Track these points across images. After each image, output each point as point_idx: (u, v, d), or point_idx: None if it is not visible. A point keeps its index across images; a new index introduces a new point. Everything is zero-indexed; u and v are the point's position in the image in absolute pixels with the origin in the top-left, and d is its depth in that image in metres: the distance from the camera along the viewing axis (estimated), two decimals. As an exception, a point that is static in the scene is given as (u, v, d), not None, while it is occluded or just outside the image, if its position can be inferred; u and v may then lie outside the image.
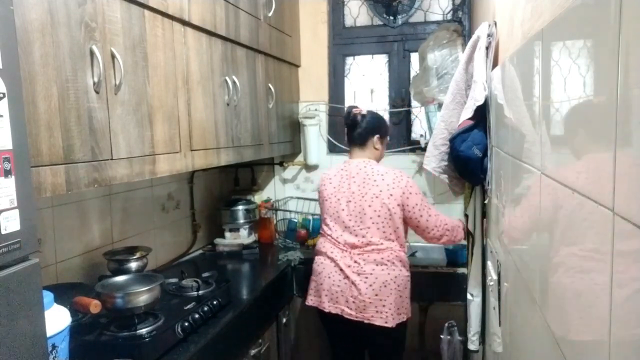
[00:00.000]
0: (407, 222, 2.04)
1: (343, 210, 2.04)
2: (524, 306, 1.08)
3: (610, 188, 0.55)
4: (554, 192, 0.81)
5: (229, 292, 1.91)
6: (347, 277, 1.97)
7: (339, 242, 2.04)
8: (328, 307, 2.02)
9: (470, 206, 1.96)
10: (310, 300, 2.11)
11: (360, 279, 1.95)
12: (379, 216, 1.98)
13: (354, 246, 2.01)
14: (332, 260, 2.03)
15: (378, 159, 2.17)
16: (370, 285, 1.94)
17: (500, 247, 1.47)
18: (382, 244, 1.98)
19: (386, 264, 1.95)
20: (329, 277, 2.02)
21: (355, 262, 1.98)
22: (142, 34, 1.47)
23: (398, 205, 1.99)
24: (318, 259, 2.11)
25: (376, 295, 1.93)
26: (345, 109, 2.23)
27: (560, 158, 0.79)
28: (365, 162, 2.09)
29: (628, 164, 0.51)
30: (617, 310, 0.55)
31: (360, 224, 2.00)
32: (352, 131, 2.15)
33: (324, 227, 2.13)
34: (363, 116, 2.13)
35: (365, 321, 1.95)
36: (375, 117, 2.18)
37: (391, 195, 1.99)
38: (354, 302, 1.96)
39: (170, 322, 1.55)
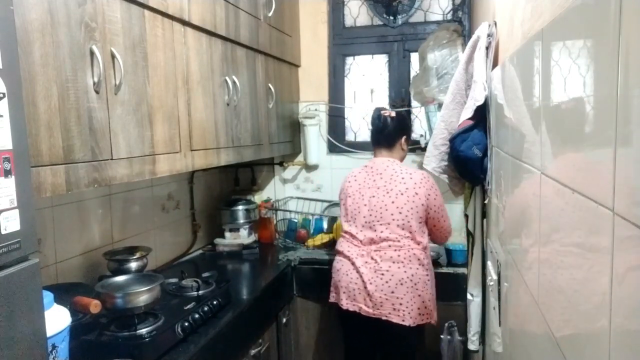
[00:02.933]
0: (428, 222, 2.06)
1: (365, 205, 2.07)
2: (524, 306, 1.08)
3: (610, 188, 0.55)
4: (554, 192, 0.81)
5: (229, 292, 1.91)
6: (363, 274, 1.98)
7: (357, 239, 2.06)
8: (346, 304, 2.03)
9: (470, 206, 1.96)
10: (332, 297, 2.14)
11: (377, 276, 1.96)
12: (400, 213, 1.99)
13: (371, 241, 2.02)
14: (349, 258, 2.05)
15: (402, 160, 2.21)
16: (387, 282, 1.95)
17: (500, 247, 1.47)
18: (399, 241, 1.98)
19: (402, 262, 1.96)
20: (347, 275, 2.04)
21: (372, 258, 1.99)
22: (142, 34, 1.47)
23: (422, 204, 2.01)
24: (337, 257, 2.14)
25: (392, 292, 1.94)
26: (374, 110, 2.25)
27: (560, 158, 0.79)
28: (391, 161, 2.13)
29: (628, 164, 0.51)
30: (617, 310, 0.55)
31: (380, 219, 2.02)
32: (380, 132, 2.18)
33: (344, 225, 2.16)
34: (392, 118, 2.17)
35: (383, 318, 1.95)
36: (402, 119, 2.24)
37: (416, 194, 2.01)
38: (371, 299, 1.96)
39: (170, 322, 1.55)
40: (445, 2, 2.84)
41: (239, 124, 2.14)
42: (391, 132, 2.16)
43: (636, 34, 0.49)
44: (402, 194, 2.01)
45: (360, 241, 2.04)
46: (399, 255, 1.96)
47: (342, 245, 2.12)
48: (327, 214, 2.92)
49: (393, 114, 2.19)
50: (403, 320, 1.93)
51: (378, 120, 2.19)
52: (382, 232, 2.00)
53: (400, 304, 1.93)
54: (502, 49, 1.56)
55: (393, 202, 2.01)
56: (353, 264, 2.02)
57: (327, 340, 2.57)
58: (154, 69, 1.53)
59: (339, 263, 2.10)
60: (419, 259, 1.98)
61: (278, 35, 2.58)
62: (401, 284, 1.94)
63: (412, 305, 1.94)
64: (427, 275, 2.01)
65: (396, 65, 2.93)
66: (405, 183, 2.03)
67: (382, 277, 1.95)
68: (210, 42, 1.89)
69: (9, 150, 0.81)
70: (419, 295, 1.96)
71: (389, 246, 1.98)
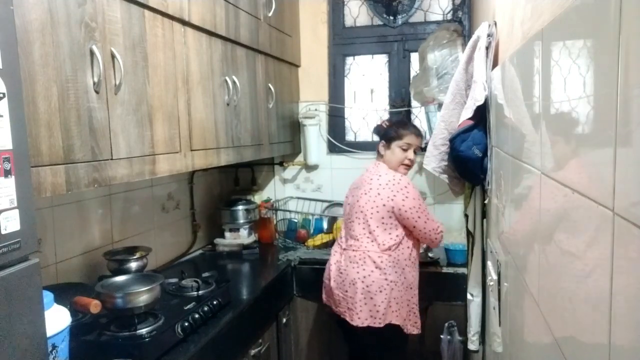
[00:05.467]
0: (403, 223, 2.05)
1: (348, 204, 2.21)
2: (524, 306, 1.08)
3: (610, 188, 0.55)
4: (554, 192, 0.81)
5: (229, 292, 1.91)
6: (332, 271, 2.11)
7: (341, 236, 2.19)
8: (325, 300, 2.19)
9: (470, 206, 1.96)
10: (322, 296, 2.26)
11: (338, 274, 2.08)
12: (361, 212, 2.06)
13: (346, 239, 2.14)
14: (331, 256, 2.18)
15: (396, 162, 2.16)
16: (343, 281, 2.04)
17: (500, 247, 1.47)
18: (358, 240, 2.06)
19: (357, 262, 2.02)
20: (326, 272, 2.19)
21: (342, 257, 2.10)
22: (142, 34, 1.47)
23: (384, 205, 2.02)
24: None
25: (346, 291, 2.02)
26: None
27: (560, 158, 0.79)
28: (375, 164, 2.20)
29: (628, 164, 0.51)
30: (617, 310, 0.55)
31: (351, 217, 2.12)
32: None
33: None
34: (374, 129, 2.34)
35: (341, 316, 2.05)
36: (377, 127, 2.30)
37: (378, 194, 2.04)
38: (333, 297, 2.09)
39: (170, 322, 1.55)
40: (445, 2, 2.84)
41: (239, 124, 2.14)
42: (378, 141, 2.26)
43: (636, 34, 0.49)
44: (365, 194, 2.07)
45: (340, 238, 2.18)
46: (355, 256, 2.04)
47: (333, 246, 2.26)
48: (327, 214, 2.92)
49: (386, 124, 2.26)
50: (352, 320, 1.99)
51: (374, 131, 2.35)
52: (351, 229, 2.11)
53: (353, 304, 1.99)
54: (502, 49, 1.56)
55: (358, 201, 2.09)
56: (330, 263, 2.16)
57: (327, 340, 2.57)
58: (154, 69, 1.53)
59: (327, 263, 2.22)
60: (374, 262, 1.99)
61: (278, 35, 2.58)
62: (352, 284, 2.00)
63: (363, 307, 1.98)
64: (385, 278, 1.97)
65: (396, 65, 2.93)
66: (371, 184, 2.08)
67: (340, 276, 2.06)
68: (210, 42, 1.89)
69: (9, 150, 0.81)
70: (372, 298, 1.97)
71: (350, 246, 2.07)
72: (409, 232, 2.06)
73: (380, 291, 1.98)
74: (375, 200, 2.03)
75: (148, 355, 1.42)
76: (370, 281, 1.98)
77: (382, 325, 1.98)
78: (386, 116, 2.95)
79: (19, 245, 0.82)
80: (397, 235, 2.03)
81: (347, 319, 2.00)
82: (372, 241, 2.02)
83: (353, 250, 2.05)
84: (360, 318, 1.97)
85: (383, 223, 2.02)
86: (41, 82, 1.11)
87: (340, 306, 2.04)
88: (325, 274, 2.19)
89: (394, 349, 2.06)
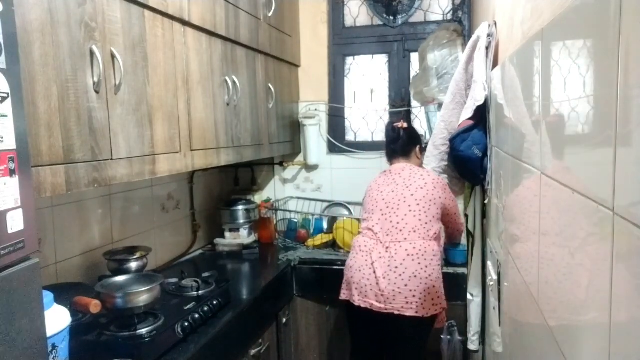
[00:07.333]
0: (445, 215, 2.13)
1: (383, 199, 2.12)
2: (524, 306, 1.08)
3: (610, 188, 0.55)
4: (554, 192, 0.81)
5: (229, 292, 1.91)
6: (377, 269, 1.99)
7: (373, 232, 2.08)
8: (358, 301, 2.03)
9: (470, 206, 1.96)
10: (343, 295, 2.13)
11: (391, 270, 1.97)
12: (418, 204, 2.04)
13: (387, 233, 2.04)
14: (365, 253, 2.05)
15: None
16: (400, 276, 1.95)
17: (500, 247, 1.47)
18: (415, 232, 2.01)
19: (417, 254, 1.97)
20: (360, 271, 2.04)
21: (387, 250, 2.00)
22: (142, 34, 1.48)
23: (439, 198, 2.07)
24: (351, 254, 2.14)
25: (405, 285, 1.94)
26: (387, 124, 2.42)
27: (560, 158, 0.79)
28: (409, 165, 2.21)
29: (628, 164, 0.51)
30: (617, 310, 0.55)
31: (397, 211, 2.05)
32: (395, 143, 2.27)
33: (362, 222, 2.21)
34: (405, 129, 2.27)
35: (396, 312, 1.95)
36: (414, 130, 2.35)
37: (434, 188, 2.07)
38: (382, 294, 1.96)
39: (170, 322, 1.55)
40: (445, 2, 2.85)
41: (239, 124, 2.14)
42: (405, 142, 2.24)
43: (636, 34, 0.49)
44: (421, 188, 2.06)
45: (376, 233, 2.07)
46: (414, 248, 1.98)
47: (359, 240, 2.12)
48: (327, 214, 2.92)
49: (405, 125, 2.28)
50: (416, 312, 1.93)
51: (392, 132, 2.27)
52: (398, 222, 2.03)
53: (413, 296, 1.94)
54: (502, 49, 1.56)
55: (412, 195, 2.06)
56: (369, 256, 2.03)
57: (327, 340, 2.57)
58: (154, 69, 1.53)
59: (352, 260, 2.10)
60: (433, 250, 2.00)
61: (278, 35, 2.58)
62: (415, 276, 1.95)
63: (426, 297, 1.95)
64: (440, 265, 2.04)
65: (396, 65, 2.93)
66: (424, 179, 2.08)
67: (395, 271, 1.96)
68: (210, 42, 1.89)
69: (13, 150, 0.80)
70: (433, 287, 1.97)
71: (405, 239, 2.00)
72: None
73: (438, 277, 2.00)
74: (433, 193, 2.06)
75: (148, 355, 1.42)
76: (431, 270, 1.97)
77: (442, 311, 2.02)
78: (386, 116, 2.95)
79: (23, 245, 0.82)
80: (441, 226, 2.14)
81: (408, 313, 1.93)
82: (428, 232, 2.02)
83: (410, 242, 1.99)
84: (425, 309, 1.95)
85: (437, 214, 2.07)
86: (41, 82, 1.11)
87: (395, 302, 1.95)
88: (358, 275, 2.02)
89: (430, 333, 2.10)
